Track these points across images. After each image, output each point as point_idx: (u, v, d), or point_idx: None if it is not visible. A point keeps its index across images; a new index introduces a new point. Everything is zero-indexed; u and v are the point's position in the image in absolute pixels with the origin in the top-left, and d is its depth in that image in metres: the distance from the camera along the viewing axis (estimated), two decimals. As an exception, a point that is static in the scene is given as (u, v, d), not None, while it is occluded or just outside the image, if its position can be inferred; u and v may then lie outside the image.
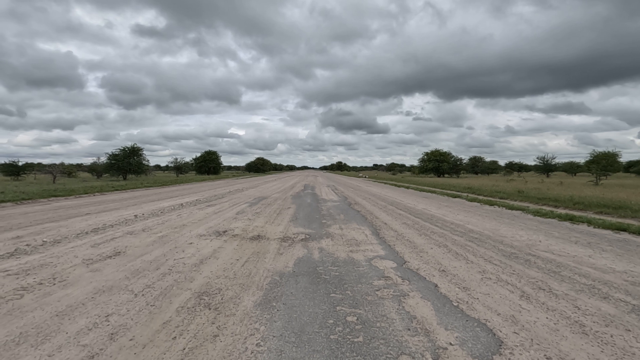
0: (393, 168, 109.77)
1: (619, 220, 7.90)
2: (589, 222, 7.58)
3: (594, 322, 2.81)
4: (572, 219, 8.13)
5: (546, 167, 55.94)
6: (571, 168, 59.22)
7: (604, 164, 34.37)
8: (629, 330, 2.67)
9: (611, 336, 2.59)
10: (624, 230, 6.70)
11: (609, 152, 41.17)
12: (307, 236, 6.24)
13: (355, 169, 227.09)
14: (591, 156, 41.48)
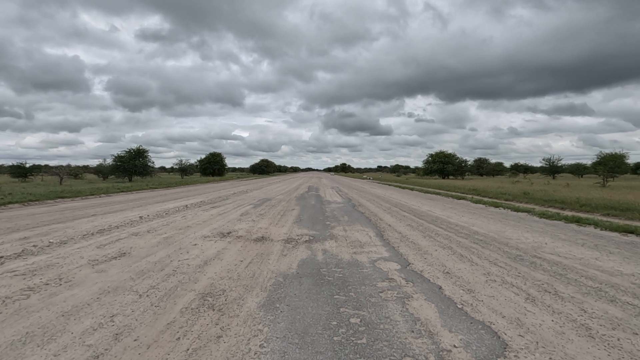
0: (397, 170, 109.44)
1: (627, 222, 7.80)
2: (596, 225, 7.49)
3: (600, 326, 2.78)
4: (578, 221, 8.04)
5: (552, 169, 55.34)
6: (578, 170, 58.57)
7: (611, 165, 33.94)
8: (637, 334, 2.63)
9: (618, 339, 2.55)
10: (632, 232, 6.61)
11: (616, 153, 40.64)
12: (311, 238, 6.24)
13: (359, 170, 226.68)
14: (598, 158, 40.96)
